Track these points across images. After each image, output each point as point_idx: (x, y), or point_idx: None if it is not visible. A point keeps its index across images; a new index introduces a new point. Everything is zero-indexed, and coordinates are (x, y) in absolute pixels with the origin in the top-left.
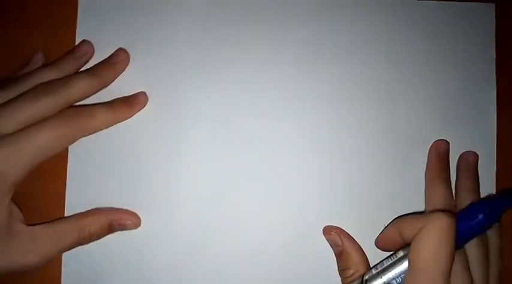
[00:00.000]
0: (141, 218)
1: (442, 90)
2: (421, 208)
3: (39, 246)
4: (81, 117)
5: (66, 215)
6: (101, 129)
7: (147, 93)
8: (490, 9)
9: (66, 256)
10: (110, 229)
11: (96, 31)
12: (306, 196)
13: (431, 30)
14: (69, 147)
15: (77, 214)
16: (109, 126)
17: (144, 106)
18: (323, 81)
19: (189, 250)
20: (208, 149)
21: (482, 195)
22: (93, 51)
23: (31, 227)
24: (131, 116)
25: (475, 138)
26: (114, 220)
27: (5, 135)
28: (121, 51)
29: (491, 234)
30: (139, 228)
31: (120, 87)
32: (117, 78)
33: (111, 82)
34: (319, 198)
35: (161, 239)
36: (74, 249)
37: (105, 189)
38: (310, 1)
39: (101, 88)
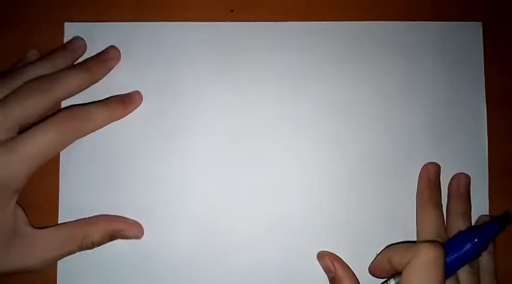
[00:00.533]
0: (139, 220)
1: (430, 110)
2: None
3: (42, 249)
4: (78, 118)
5: (60, 214)
6: (98, 129)
7: (144, 95)
8: (477, 28)
9: None
10: (112, 238)
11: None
12: (303, 221)
13: (419, 50)
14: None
15: (81, 221)
16: (105, 125)
17: (139, 105)
18: (311, 101)
19: (187, 255)
20: (207, 147)
21: (475, 214)
22: (85, 47)
23: (37, 229)
24: (126, 115)
25: (466, 157)
26: (117, 231)
27: (3, 142)
28: (112, 48)
29: (484, 258)
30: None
31: (116, 87)
32: (115, 79)
33: (101, 78)
34: (315, 222)
35: (160, 242)
36: None
37: (98, 188)
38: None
39: (92, 84)
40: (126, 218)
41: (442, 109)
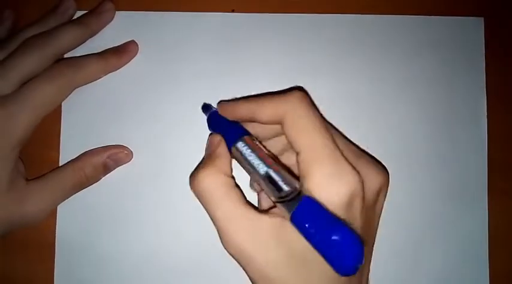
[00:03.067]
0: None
1: (429, 108)
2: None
3: (36, 198)
4: (74, 67)
5: None
6: (94, 79)
7: (146, 84)
8: (479, 23)
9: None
10: (105, 167)
11: None
12: None
13: (418, 45)
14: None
15: (69, 162)
16: (101, 76)
17: (134, 55)
18: (317, 99)
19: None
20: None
21: (475, 214)
22: (75, 7)
23: (29, 181)
24: (122, 65)
25: (466, 156)
26: (107, 157)
27: (4, 96)
28: (106, 2)
29: None
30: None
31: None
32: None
33: (98, 31)
34: None
35: (161, 241)
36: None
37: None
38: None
39: (89, 37)
40: (111, 145)
41: (442, 107)
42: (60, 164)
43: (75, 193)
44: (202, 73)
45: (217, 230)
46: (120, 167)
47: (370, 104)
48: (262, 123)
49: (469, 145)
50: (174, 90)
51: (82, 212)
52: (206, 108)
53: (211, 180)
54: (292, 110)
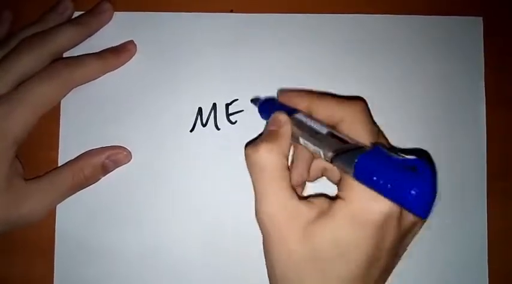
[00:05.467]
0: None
1: (428, 108)
2: None
3: (35, 198)
4: (71, 66)
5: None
6: (92, 78)
7: (145, 82)
8: (478, 23)
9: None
10: (104, 168)
11: None
12: None
13: (420, 44)
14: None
15: (68, 163)
16: (99, 75)
17: (133, 54)
18: None
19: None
20: (209, 141)
21: (475, 214)
22: (74, 8)
23: (28, 181)
24: (120, 65)
25: (464, 157)
26: (106, 158)
27: (1, 95)
28: (104, 2)
29: None
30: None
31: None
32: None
33: (95, 31)
34: None
35: (161, 241)
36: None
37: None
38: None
39: (86, 37)
40: (110, 146)
41: (441, 107)
42: (59, 164)
43: (74, 193)
44: (200, 74)
45: (257, 200)
46: (119, 167)
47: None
48: (316, 116)
49: (468, 145)
50: (173, 90)
51: (81, 212)
52: (255, 100)
53: (271, 157)
54: (353, 114)
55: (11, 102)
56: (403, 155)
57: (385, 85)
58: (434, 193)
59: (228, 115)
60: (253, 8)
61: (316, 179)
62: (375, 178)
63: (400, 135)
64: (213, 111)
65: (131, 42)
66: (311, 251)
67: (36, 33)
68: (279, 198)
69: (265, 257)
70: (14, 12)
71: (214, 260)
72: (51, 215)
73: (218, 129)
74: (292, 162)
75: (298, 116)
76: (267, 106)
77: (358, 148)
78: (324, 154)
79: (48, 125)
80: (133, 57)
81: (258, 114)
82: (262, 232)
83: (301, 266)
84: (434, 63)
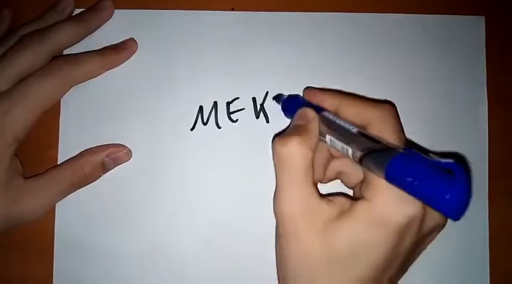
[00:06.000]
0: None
1: (430, 107)
2: None
3: (34, 196)
4: (72, 63)
5: None
6: (93, 76)
7: (144, 82)
8: (480, 22)
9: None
10: (104, 166)
11: None
12: None
13: (421, 43)
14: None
15: (67, 160)
16: (100, 73)
17: (133, 52)
18: None
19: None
20: (209, 141)
21: (475, 215)
22: (74, 5)
23: (27, 179)
24: (121, 62)
25: (466, 151)
26: (106, 156)
27: (1, 92)
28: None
29: None
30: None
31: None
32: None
33: (96, 29)
34: None
35: (162, 240)
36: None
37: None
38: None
39: (86, 35)
40: (110, 144)
41: (442, 106)
42: (59, 162)
43: (73, 191)
44: (201, 72)
45: (278, 193)
46: (119, 166)
47: None
48: (343, 117)
49: (470, 144)
50: (174, 88)
51: (81, 211)
52: (278, 97)
53: (300, 150)
54: (382, 116)
55: (11, 99)
56: (438, 158)
57: (386, 84)
58: (469, 197)
59: (229, 113)
60: (254, 6)
61: (329, 181)
62: (409, 179)
63: None
64: (213, 110)
65: (132, 39)
66: (328, 251)
67: (37, 30)
68: (302, 194)
69: (277, 253)
70: (15, 10)
71: (213, 259)
72: (51, 214)
73: (219, 127)
74: None
75: (326, 114)
76: (290, 104)
77: (390, 148)
78: (352, 153)
79: (48, 123)
80: (134, 55)
81: (258, 113)
82: (278, 226)
83: (316, 265)
84: (436, 62)
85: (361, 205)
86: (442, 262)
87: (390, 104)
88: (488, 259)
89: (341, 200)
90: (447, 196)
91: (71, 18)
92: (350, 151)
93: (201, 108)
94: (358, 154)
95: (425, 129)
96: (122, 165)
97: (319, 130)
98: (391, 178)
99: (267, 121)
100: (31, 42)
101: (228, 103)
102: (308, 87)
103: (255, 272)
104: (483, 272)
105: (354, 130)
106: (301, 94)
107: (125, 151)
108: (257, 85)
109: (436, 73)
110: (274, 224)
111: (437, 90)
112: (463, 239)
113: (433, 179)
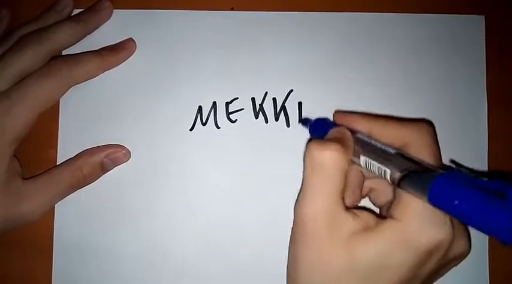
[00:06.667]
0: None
1: (429, 107)
2: None
3: (33, 196)
4: (71, 63)
5: None
6: (92, 76)
7: (144, 81)
8: (480, 22)
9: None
10: (103, 167)
11: None
12: None
13: (421, 43)
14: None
15: (67, 160)
16: (98, 73)
17: (132, 52)
18: (307, 97)
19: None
20: (208, 141)
21: None
22: (73, 5)
23: (26, 180)
24: (120, 62)
25: (466, 157)
26: (105, 156)
27: (1, 92)
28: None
29: None
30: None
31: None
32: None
33: (95, 29)
34: None
35: (162, 239)
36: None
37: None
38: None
39: (85, 35)
40: (109, 145)
41: (442, 106)
42: (58, 163)
43: (72, 192)
44: (200, 72)
45: (303, 196)
46: (118, 166)
47: (370, 103)
48: (377, 138)
49: (470, 144)
50: (173, 88)
51: (80, 211)
52: (305, 120)
53: (336, 156)
54: (419, 137)
55: (11, 99)
56: (482, 177)
57: (386, 83)
58: None
59: (228, 114)
60: (253, 6)
61: (360, 200)
62: (456, 202)
63: None
64: (213, 110)
65: (130, 40)
66: (350, 264)
67: (35, 30)
68: (328, 201)
69: (291, 252)
70: (13, 10)
71: (212, 260)
72: (50, 214)
73: (218, 127)
74: None
75: (360, 135)
76: (320, 127)
77: (432, 170)
78: (391, 174)
79: (47, 124)
80: (133, 55)
81: (257, 113)
82: (296, 227)
83: (334, 276)
84: (436, 61)
85: (389, 224)
86: None
87: (427, 123)
88: (487, 258)
89: (367, 215)
90: (504, 223)
91: (69, 18)
92: (388, 172)
93: (200, 108)
94: (397, 175)
95: None
96: (121, 165)
97: (363, 153)
98: (434, 201)
99: (266, 122)
100: (30, 43)
101: (227, 104)
102: (338, 111)
103: (254, 272)
104: (483, 272)
105: (391, 151)
106: (300, 94)
107: (123, 151)
108: (256, 85)
109: (435, 73)
110: (274, 224)
111: (436, 89)
112: None
113: (485, 203)
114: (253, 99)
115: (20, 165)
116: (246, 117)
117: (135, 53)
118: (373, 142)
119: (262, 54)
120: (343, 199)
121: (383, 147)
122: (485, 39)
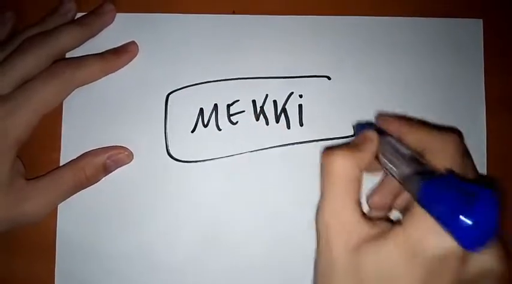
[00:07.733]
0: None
1: (430, 106)
2: None
3: (36, 197)
4: (73, 66)
5: None
6: (94, 79)
7: (147, 85)
8: (478, 25)
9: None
10: (106, 168)
11: None
12: (304, 215)
13: (419, 46)
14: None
15: (69, 161)
16: (101, 76)
17: (135, 55)
18: (309, 98)
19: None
20: (209, 142)
21: None
22: (76, 9)
23: (29, 181)
24: (122, 65)
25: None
26: (107, 158)
27: (4, 95)
28: (107, 3)
29: None
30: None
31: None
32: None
33: (98, 32)
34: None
35: (162, 239)
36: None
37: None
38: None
39: (88, 38)
40: (111, 146)
41: (441, 108)
42: (61, 164)
43: (75, 193)
44: (202, 75)
45: (319, 200)
46: (120, 168)
47: (370, 105)
48: (405, 142)
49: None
50: (175, 91)
51: (83, 212)
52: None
53: (343, 164)
54: (442, 144)
55: (14, 101)
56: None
57: (385, 86)
58: (491, 225)
59: (229, 116)
60: (255, 9)
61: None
62: (436, 205)
63: None
64: (214, 112)
65: (133, 43)
66: (354, 269)
67: (39, 33)
68: (339, 208)
69: (314, 263)
70: (17, 13)
71: (213, 260)
72: (53, 215)
73: (219, 129)
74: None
75: (388, 138)
76: (362, 128)
77: (428, 173)
78: (398, 175)
79: (50, 126)
80: (135, 58)
81: (258, 115)
82: (316, 232)
83: (339, 278)
84: (434, 64)
85: (395, 231)
86: None
87: (455, 132)
88: None
89: (383, 223)
90: (461, 218)
91: (73, 21)
92: (397, 173)
93: (201, 110)
94: (402, 176)
95: None
96: (123, 166)
97: (384, 154)
98: (423, 204)
99: (267, 124)
100: (33, 46)
101: (228, 106)
102: (380, 114)
103: (255, 273)
104: None
105: (406, 153)
106: (300, 96)
107: (126, 153)
108: (257, 88)
109: (434, 76)
110: (274, 224)
111: (435, 92)
112: None
113: (452, 202)
114: (254, 102)
115: (23, 166)
116: (247, 119)
117: (137, 55)
118: (397, 145)
119: (263, 57)
120: (358, 204)
121: (402, 149)
122: (484, 42)
